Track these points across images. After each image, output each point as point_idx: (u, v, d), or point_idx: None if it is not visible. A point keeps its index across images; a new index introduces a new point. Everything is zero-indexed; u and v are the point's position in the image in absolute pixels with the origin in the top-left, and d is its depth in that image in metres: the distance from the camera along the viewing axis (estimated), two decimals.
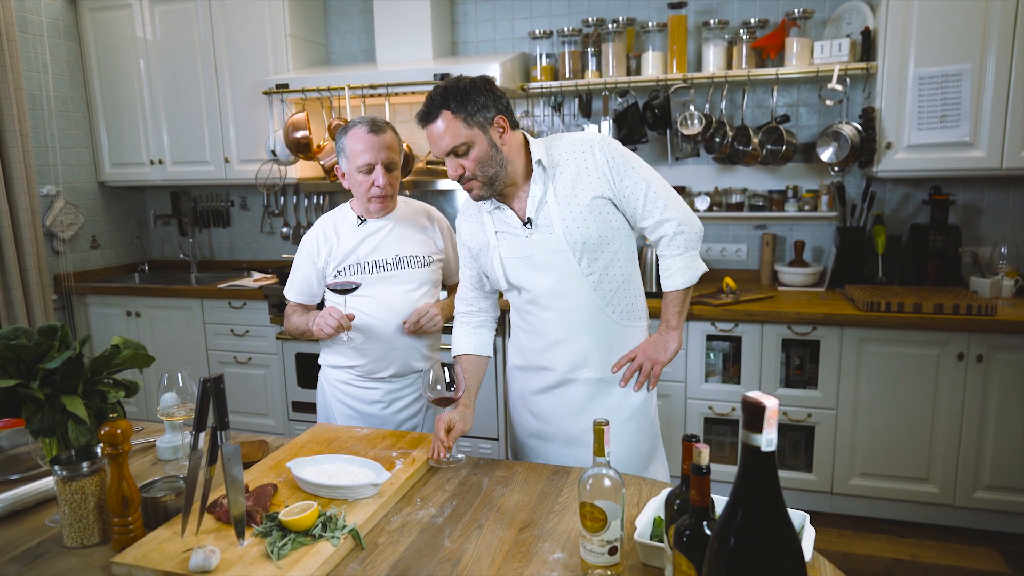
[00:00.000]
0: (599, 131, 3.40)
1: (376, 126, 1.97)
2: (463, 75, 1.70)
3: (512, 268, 1.81)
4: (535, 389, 1.91)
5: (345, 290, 1.95)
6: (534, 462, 1.85)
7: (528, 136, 1.79)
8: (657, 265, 2.60)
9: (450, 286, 2.26)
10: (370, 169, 1.97)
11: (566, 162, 1.75)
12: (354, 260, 2.05)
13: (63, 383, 1.33)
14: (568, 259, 1.75)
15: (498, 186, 1.72)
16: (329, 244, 2.08)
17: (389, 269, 2.05)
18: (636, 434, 1.88)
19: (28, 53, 3.80)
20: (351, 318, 1.96)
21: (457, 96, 1.63)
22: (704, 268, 1.83)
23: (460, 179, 1.71)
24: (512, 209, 1.78)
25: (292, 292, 2.16)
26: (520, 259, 1.79)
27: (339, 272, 2.06)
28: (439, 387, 1.69)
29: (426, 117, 1.66)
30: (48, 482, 1.53)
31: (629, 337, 1.86)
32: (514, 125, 1.73)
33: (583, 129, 3.46)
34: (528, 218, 1.76)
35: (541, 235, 1.76)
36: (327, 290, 2.10)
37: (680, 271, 1.79)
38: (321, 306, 2.18)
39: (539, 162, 1.73)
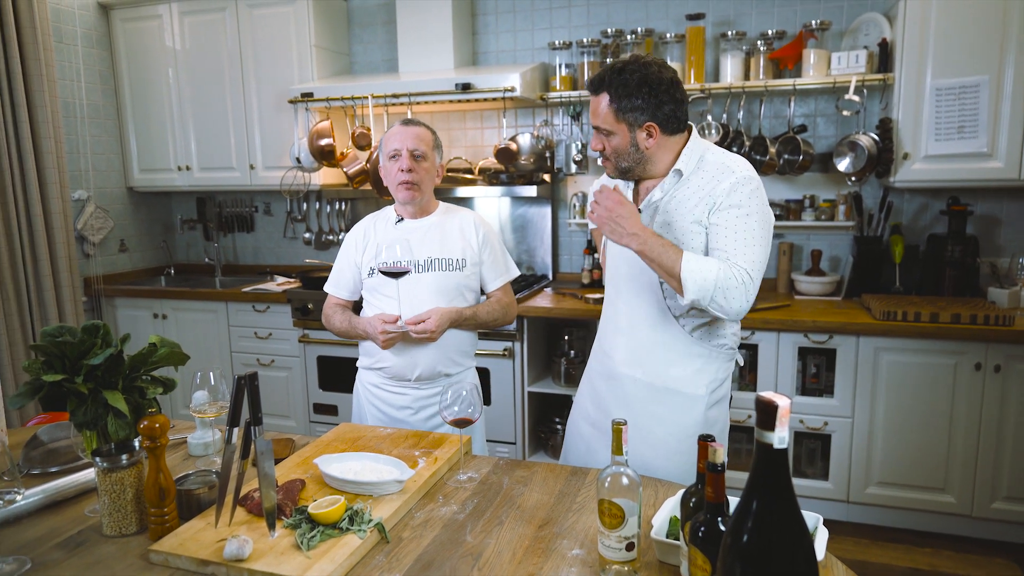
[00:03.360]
0: None
1: (409, 121, 2.11)
2: (646, 60, 1.68)
3: (610, 244, 1.87)
4: (598, 372, 1.96)
5: (396, 273, 1.95)
6: (552, 463, 1.89)
7: (696, 141, 1.75)
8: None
9: (488, 293, 2.21)
10: (397, 154, 2.05)
11: (699, 177, 1.72)
12: (387, 257, 2.08)
13: (105, 379, 1.40)
14: None
15: (630, 176, 1.79)
16: (366, 240, 2.15)
17: (420, 270, 2.07)
18: (690, 455, 1.79)
19: (62, 62, 3.92)
20: (396, 319, 1.99)
21: (620, 90, 1.67)
22: (687, 299, 1.64)
23: (600, 153, 1.77)
24: (638, 192, 1.84)
25: (330, 285, 2.23)
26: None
27: (372, 270, 2.10)
28: (456, 408, 1.63)
29: (592, 87, 1.73)
30: (86, 474, 1.59)
31: (701, 357, 1.80)
32: (674, 131, 1.72)
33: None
34: (640, 208, 1.79)
35: None
36: (377, 274, 2.07)
37: (705, 270, 1.60)
38: (358, 306, 2.23)
39: (678, 170, 1.73)
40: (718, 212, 1.67)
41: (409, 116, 3.55)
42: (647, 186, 1.81)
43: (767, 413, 0.89)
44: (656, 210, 1.76)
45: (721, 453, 1.06)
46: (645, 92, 1.66)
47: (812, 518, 1.29)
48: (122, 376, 1.42)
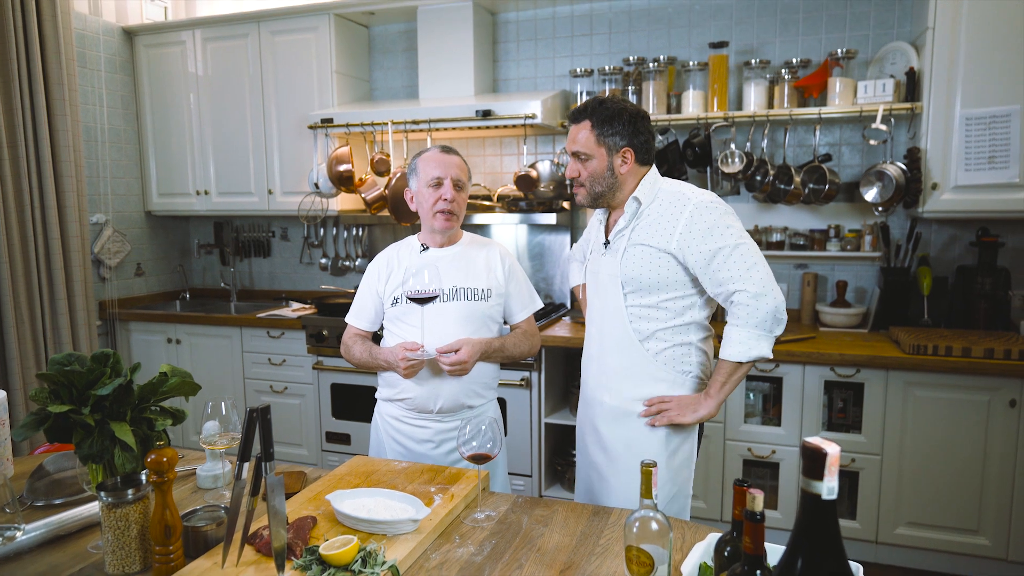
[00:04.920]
0: None
1: (448, 149, 2.08)
2: (624, 100, 1.90)
3: (588, 276, 2.04)
4: (580, 399, 2.09)
5: (423, 299, 1.90)
6: (573, 501, 1.83)
7: (654, 173, 1.92)
8: None
9: (512, 325, 2.20)
10: (439, 183, 2.01)
11: (658, 207, 1.86)
12: (415, 282, 2.03)
13: (112, 410, 1.35)
14: (616, 285, 1.89)
15: (600, 203, 1.93)
16: (390, 269, 2.11)
17: (445, 299, 2.02)
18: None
19: (85, 87, 3.95)
20: (419, 348, 1.94)
21: (602, 115, 1.84)
22: (766, 353, 1.78)
23: (573, 180, 1.92)
24: (607, 225, 1.99)
25: (351, 316, 2.18)
26: (591, 272, 2.00)
27: (396, 300, 2.06)
28: (475, 443, 1.59)
29: (573, 117, 1.90)
30: (91, 507, 1.54)
31: (665, 383, 1.91)
32: (643, 162, 1.89)
33: None
34: (607, 240, 1.95)
35: (609, 258, 1.92)
36: (401, 304, 2.04)
37: (733, 343, 1.79)
38: (377, 337, 2.18)
39: (636, 199, 1.88)
40: (686, 248, 1.79)
41: (429, 143, 3.53)
42: (614, 218, 1.97)
43: (815, 461, 0.83)
44: (626, 239, 1.88)
45: (760, 501, 0.99)
46: (625, 119, 1.84)
47: (852, 568, 1.21)
48: (131, 407, 1.38)
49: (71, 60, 3.63)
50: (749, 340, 1.77)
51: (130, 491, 1.32)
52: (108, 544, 1.33)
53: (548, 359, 3.26)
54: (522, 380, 3.24)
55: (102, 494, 1.31)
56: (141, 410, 1.41)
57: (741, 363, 1.79)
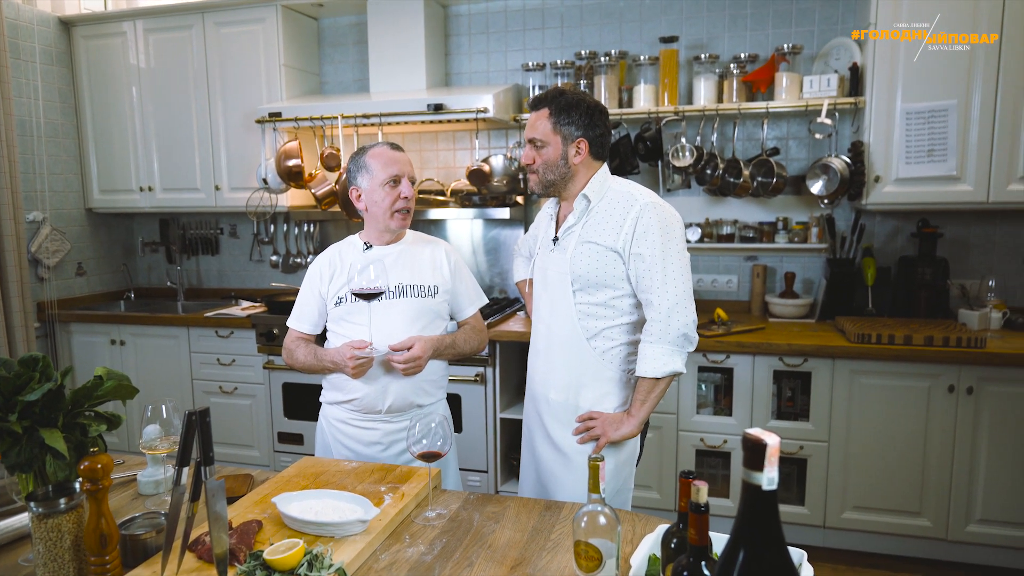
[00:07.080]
0: None
1: (396, 146, 2.06)
2: (585, 93, 1.91)
3: (535, 272, 2.04)
4: (528, 394, 2.08)
5: (369, 295, 1.87)
6: (524, 497, 1.83)
7: (605, 171, 1.93)
8: None
9: (459, 322, 2.18)
10: (397, 181, 1.99)
11: (607, 205, 1.88)
12: (360, 279, 2.01)
13: (42, 416, 1.29)
14: (565, 282, 1.90)
15: (552, 192, 1.95)
16: (333, 268, 2.06)
17: (391, 296, 1.99)
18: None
19: (19, 79, 3.79)
20: (366, 346, 1.90)
21: (560, 104, 1.86)
22: (679, 368, 1.81)
23: (527, 167, 1.93)
24: (558, 220, 1.99)
25: (292, 319, 2.12)
26: (539, 268, 2.00)
27: (339, 299, 2.02)
28: (425, 441, 1.57)
29: (533, 104, 1.92)
30: (23, 518, 1.48)
31: (611, 381, 1.92)
32: (597, 156, 1.91)
33: None
34: (556, 236, 1.95)
35: (558, 255, 1.92)
36: (346, 303, 2.01)
37: (648, 359, 1.82)
38: (321, 339, 2.13)
39: (585, 196, 1.88)
40: (632, 248, 1.81)
41: (380, 137, 3.49)
42: (564, 213, 1.97)
43: (755, 452, 0.84)
44: (576, 236, 1.89)
45: (704, 493, 1.00)
46: (581, 111, 1.86)
47: (796, 555, 1.23)
48: (63, 412, 1.32)
49: (2, 51, 3.48)
50: (663, 356, 1.80)
51: (62, 500, 1.27)
52: (39, 556, 1.27)
53: (502, 354, 3.25)
54: (476, 376, 3.23)
55: (32, 504, 1.25)
56: (74, 415, 1.35)
57: (658, 379, 1.82)
